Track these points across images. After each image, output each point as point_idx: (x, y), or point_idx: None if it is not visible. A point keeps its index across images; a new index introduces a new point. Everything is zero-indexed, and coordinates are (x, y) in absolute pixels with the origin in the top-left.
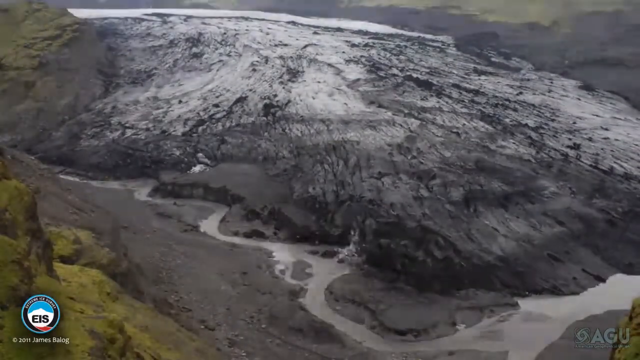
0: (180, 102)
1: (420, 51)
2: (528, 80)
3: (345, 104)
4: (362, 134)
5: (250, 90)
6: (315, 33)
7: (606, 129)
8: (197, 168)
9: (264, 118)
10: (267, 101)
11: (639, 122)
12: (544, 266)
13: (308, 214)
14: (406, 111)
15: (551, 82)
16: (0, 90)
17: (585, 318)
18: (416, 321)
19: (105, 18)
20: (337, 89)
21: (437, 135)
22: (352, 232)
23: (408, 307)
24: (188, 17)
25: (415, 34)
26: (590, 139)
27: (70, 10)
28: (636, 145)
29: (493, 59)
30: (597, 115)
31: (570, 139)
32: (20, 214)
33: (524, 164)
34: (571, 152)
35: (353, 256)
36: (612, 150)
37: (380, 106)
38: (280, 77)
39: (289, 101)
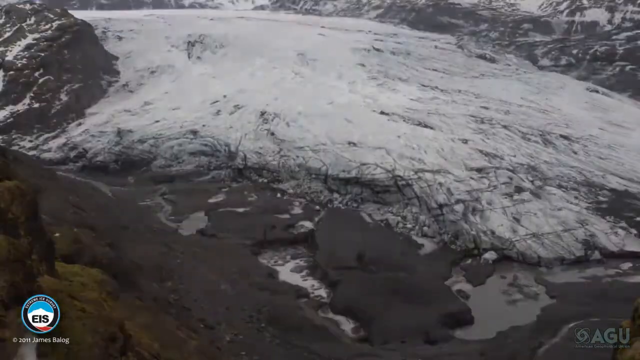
0: (179, 106)
1: (422, 51)
2: (533, 81)
3: (345, 108)
4: (363, 137)
5: (251, 93)
6: (319, 34)
7: (613, 133)
8: (197, 169)
9: (264, 121)
10: (267, 104)
11: None
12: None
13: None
14: (409, 115)
15: (557, 83)
16: (0, 91)
17: (585, 320)
18: (417, 321)
19: (106, 19)
20: (338, 92)
21: (440, 140)
22: None
23: (408, 307)
24: (189, 19)
25: (420, 34)
26: (597, 144)
27: (70, 11)
28: None
29: (496, 58)
30: (602, 119)
31: (578, 143)
32: (21, 214)
33: (530, 170)
34: (578, 157)
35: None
36: (617, 156)
37: (382, 111)
38: (281, 81)
39: (289, 104)
